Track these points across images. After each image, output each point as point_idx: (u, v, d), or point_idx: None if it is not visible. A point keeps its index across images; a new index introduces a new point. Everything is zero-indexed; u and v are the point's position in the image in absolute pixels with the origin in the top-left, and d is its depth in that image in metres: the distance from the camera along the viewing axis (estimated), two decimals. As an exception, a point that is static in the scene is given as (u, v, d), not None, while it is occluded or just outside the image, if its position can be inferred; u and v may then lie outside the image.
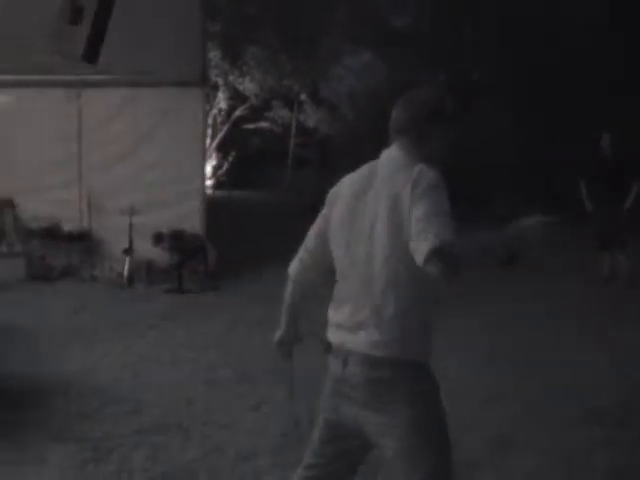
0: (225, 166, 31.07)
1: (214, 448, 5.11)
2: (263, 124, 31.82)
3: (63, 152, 11.18)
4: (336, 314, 3.02)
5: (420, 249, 2.62)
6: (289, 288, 3.39)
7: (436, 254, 2.56)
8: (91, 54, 8.64)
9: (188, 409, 5.87)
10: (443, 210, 2.68)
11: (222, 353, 7.44)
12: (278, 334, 3.48)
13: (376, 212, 2.86)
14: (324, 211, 3.13)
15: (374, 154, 3.05)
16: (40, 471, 4.72)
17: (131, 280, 10.63)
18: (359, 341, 2.88)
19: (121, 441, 5.17)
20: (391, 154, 2.97)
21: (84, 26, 8.72)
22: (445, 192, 2.75)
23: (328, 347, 3.05)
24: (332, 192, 3.12)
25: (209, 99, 22.47)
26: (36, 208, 11.04)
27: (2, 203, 10.77)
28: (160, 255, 10.80)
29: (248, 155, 31.42)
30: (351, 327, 2.92)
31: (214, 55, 25.05)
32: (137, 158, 11.14)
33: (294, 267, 3.31)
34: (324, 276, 3.28)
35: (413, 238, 2.66)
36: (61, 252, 11.01)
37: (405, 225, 2.73)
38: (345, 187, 3.04)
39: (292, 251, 3.34)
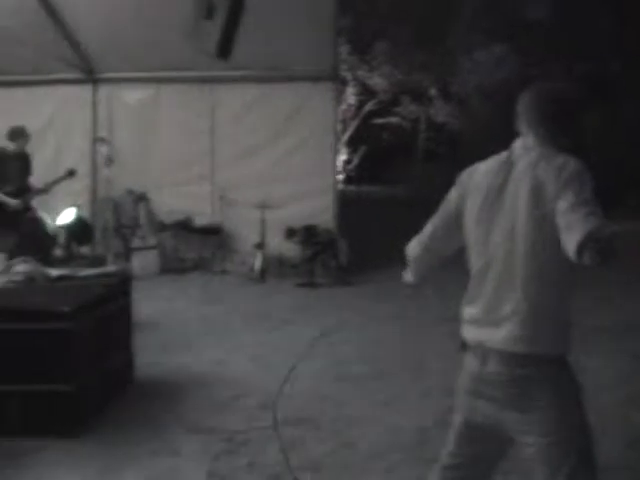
0: (354, 161, 31.10)
1: (346, 443, 5.04)
2: (392, 119, 31.69)
3: (196, 147, 11.34)
4: (472, 310, 2.90)
5: (571, 240, 2.52)
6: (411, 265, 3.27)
7: (588, 243, 2.46)
8: (224, 50, 8.71)
9: (320, 404, 5.81)
10: (590, 198, 2.60)
11: (355, 348, 7.37)
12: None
13: (517, 205, 2.75)
14: (453, 194, 3.03)
15: (506, 149, 2.94)
16: (174, 462, 4.73)
17: (263, 274, 10.68)
18: (499, 338, 2.77)
19: (254, 434, 5.15)
20: (527, 145, 2.86)
21: (217, 22, 8.81)
22: (590, 180, 2.66)
23: (463, 345, 2.94)
24: (465, 178, 3.01)
25: (339, 94, 22.52)
26: (169, 202, 11.26)
27: (137, 197, 10.99)
28: (292, 249, 10.82)
29: (377, 150, 31.38)
30: (490, 323, 2.81)
31: (343, 50, 25.08)
32: (269, 153, 11.20)
33: (414, 249, 3.20)
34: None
35: (562, 230, 2.58)
36: (193, 245, 11.19)
37: (549, 216, 2.64)
38: (479, 177, 2.93)
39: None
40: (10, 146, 8.90)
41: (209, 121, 11.40)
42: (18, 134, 8.94)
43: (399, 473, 4.61)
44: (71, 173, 9.22)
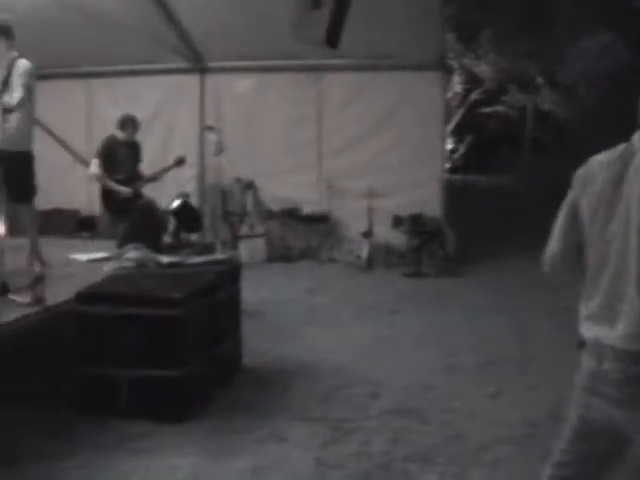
0: (460, 150, 30.80)
1: (454, 435, 4.97)
2: (498, 108, 31.23)
3: (303, 135, 11.36)
4: (589, 307, 2.79)
5: None
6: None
7: None
8: (332, 38, 8.68)
9: (428, 394, 5.74)
10: None
11: (462, 339, 7.27)
12: None
13: (632, 199, 2.62)
14: (571, 195, 2.90)
15: (614, 138, 2.80)
16: (282, 450, 4.75)
17: (370, 263, 10.63)
18: (615, 335, 2.66)
19: (361, 423, 5.13)
20: None
21: (325, 10, 8.79)
22: None
23: (581, 343, 2.84)
24: (580, 174, 2.88)
25: (446, 83, 22.33)
26: (277, 190, 11.31)
27: (245, 185, 11.07)
28: (398, 238, 10.75)
29: (484, 139, 30.99)
30: (606, 320, 2.69)
31: (449, 38, 24.80)
32: (376, 141, 11.13)
33: (552, 264, 3.05)
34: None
35: None
36: (300, 234, 11.22)
37: None
38: (595, 171, 2.81)
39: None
40: (120, 134, 9.05)
41: (316, 109, 11.40)
42: (128, 122, 9.08)
43: (507, 466, 4.52)
44: (180, 161, 9.32)
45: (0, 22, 6.67)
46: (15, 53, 6.60)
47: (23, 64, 6.59)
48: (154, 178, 9.20)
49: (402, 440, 4.87)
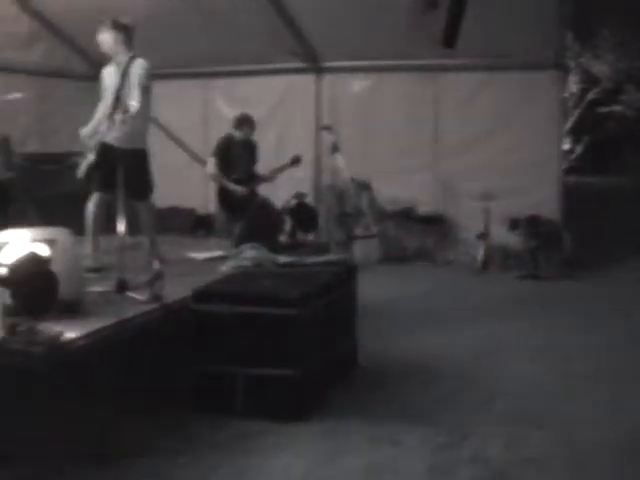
0: (577, 151, 30.18)
1: (569, 441, 4.85)
2: (616, 108, 30.48)
3: (419, 136, 11.27)
4: None
5: None
6: None
7: None
8: (450, 39, 8.62)
9: (545, 401, 5.62)
10: None
11: (579, 343, 7.10)
12: None
13: None
14: None
15: None
16: (395, 452, 4.71)
17: (485, 265, 10.50)
18: None
19: (476, 428, 5.04)
20: None
21: (441, 10, 8.72)
22: None
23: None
24: None
25: (563, 82, 21.92)
26: (392, 191, 11.25)
27: (360, 185, 11.06)
28: (515, 240, 10.58)
29: (602, 140, 30.29)
30: None
31: (565, 37, 24.26)
32: (492, 142, 10.96)
33: None
34: None
35: None
36: (415, 235, 11.15)
37: None
38: None
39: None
40: (237, 133, 9.15)
41: (432, 110, 11.30)
42: (245, 122, 9.18)
43: (622, 473, 4.42)
44: (296, 160, 9.37)
45: (120, 20, 6.81)
46: (131, 52, 6.73)
47: (140, 63, 6.71)
48: (270, 177, 9.28)
49: (517, 446, 4.78)
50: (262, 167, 9.46)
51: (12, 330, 4.21)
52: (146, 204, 7.14)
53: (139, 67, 6.67)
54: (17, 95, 7.43)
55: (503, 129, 10.95)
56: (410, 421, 5.18)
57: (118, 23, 6.80)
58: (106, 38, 6.85)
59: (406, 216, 11.22)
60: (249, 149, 9.25)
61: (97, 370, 4.70)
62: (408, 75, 11.31)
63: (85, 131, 6.86)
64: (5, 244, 4.76)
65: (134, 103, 6.50)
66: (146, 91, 6.73)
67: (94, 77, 7.15)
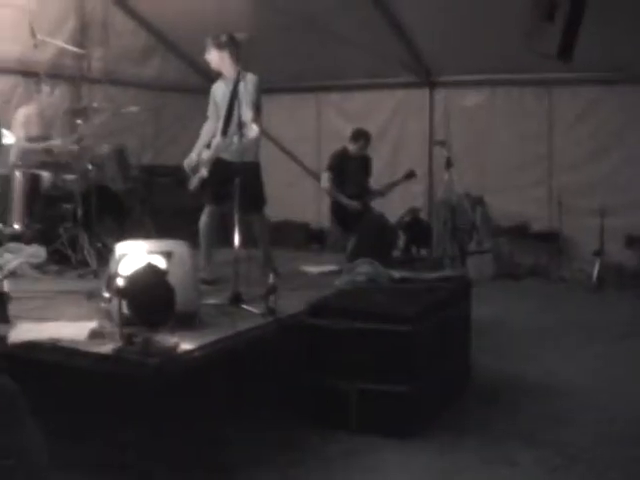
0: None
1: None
2: None
3: (533, 150, 11.12)
4: None
5: None
6: None
7: None
8: (565, 51, 8.47)
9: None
10: None
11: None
12: None
13: None
14: None
15: None
16: (510, 473, 4.65)
17: (601, 283, 10.25)
18: None
19: (592, 450, 4.93)
20: None
21: (558, 22, 8.58)
22: None
23: None
24: None
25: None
26: (505, 206, 11.13)
27: (473, 200, 10.98)
28: (632, 258, 10.32)
29: None
30: None
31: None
32: (608, 157, 10.70)
33: None
34: None
35: None
36: (529, 251, 10.98)
37: None
38: None
39: None
40: (352, 147, 9.20)
41: (546, 124, 11.12)
42: (361, 136, 9.21)
43: None
44: (411, 174, 9.36)
45: (222, 38, 6.94)
46: (239, 67, 6.83)
47: (250, 79, 6.80)
48: (384, 192, 9.29)
49: (636, 470, 4.66)
50: (375, 181, 9.49)
51: (129, 340, 4.29)
52: (260, 217, 7.23)
53: (249, 83, 6.76)
54: (133, 108, 7.63)
55: (620, 144, 10.67)
56: (525, 440, 5.09)
57: (221, 41, 6.92)
58: (213, 57, 7.01)
59: (520, 232, 11.06)
60: (363, 163, 9.28)
61: (212, 382, 4.78)
62: (522, 89, 11.17)
63: (188, 162, 7.03)
64: (123, 256, 4.87)
65: (254, 126, 6.60)
66: (257, 105, 6.83)
67: (208, 90, 7.29)
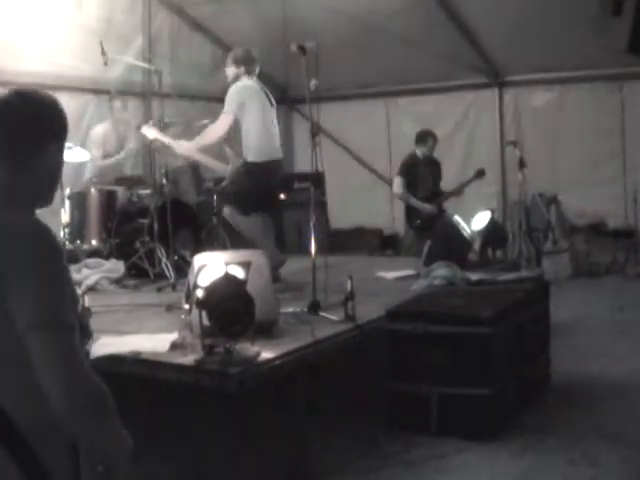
0: None
1: None
2: None
3: (606, 147, 10.97)
4: None
5: None
6: None
7: None
8: (636, 45, 8.41)
9: None
10: None
11: None
12: None
13: None
14: None
15: None
16: (593, 473, 4.60)
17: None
18: None
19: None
20: None
21: (626, 16, 8.51)
22: None
23: None
24: None
25: None
26: (580, 204, 11.03)
27: (547, 200, 10.88)
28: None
29: None
30: None
31: None
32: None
33: None
34: None
35: None
36: (605, 249, 10.84)
37: None
38: None
39: None
40: (419, 150, 9.23)
41: (619, 120, 10.97)
42: (428, 137, 9.25)
43: None
44: (480, 173, 9.35)
45: (238, 54, 7.26)
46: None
47: None
48: (456, 193, 9.30)
49: None
50: (449, 184, 9.49)
51: (210, 351, 4.34)
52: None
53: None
54: (204, 121, 7.77)
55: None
56: (607, 441, 5.04)
57: (237, 57, 7.21)
58: (228, 72, 7.29)
59: (596, 230, 10.94)
60: (433, 167, 9.31)
61: (292, 390, 4.84)
62: (592, 85, 11.03)
63: None
64: (202, 267, 4.94)
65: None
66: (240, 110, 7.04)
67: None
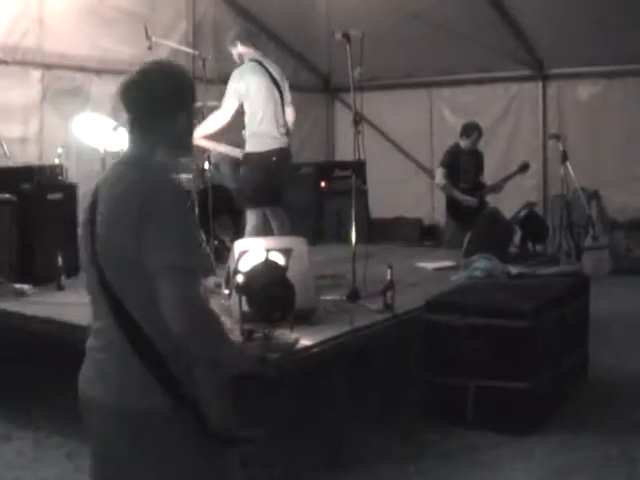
0: None
1: None
2: None
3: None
4: None
5: None
6: None
7: None
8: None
9: None
10: None
11: None
12: None
13: None
14: None
15: None
16: (631, 469, 4.61)
17: None
18: None
19: None
20: None
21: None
22: None
23: None
24: None
25: None
26: (622, 200, 10.90)
27: (589, 195, 10.79)
28: None
29: None
30: None
31: None
32: None
33: None
34: None
35: None
36: (648, 245, 10.74)
37: None
38: None
39: None
40: (464, 142, 9.18)
41: (663, 116, 10.86)
42: (473, 130, 9.18)
43: None
44: (525, 167, 9.28)
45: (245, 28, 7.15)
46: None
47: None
48: (499, 186, 9.25)
49: None
50: (490, 176, 9.44)
51: (249, 336, 4.36)
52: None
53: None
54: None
55: None
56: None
57: (239, 35, 7.18)
58: (233, 52, 7.20)
59: (637, 226, 10.81)
60: (476, 158, 9.25)
61: (331, 378, 4.85)
62: (637, 79, 10.90)
63: None
64: (243, 253, 4.94)
65: None
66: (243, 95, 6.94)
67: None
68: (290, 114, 7.22)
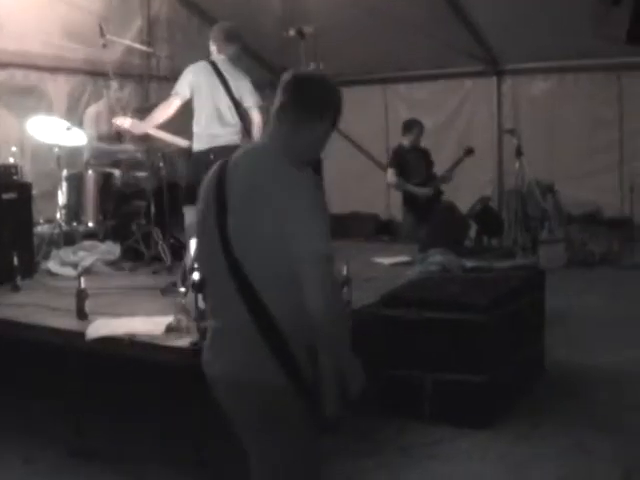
0: None
1: None
2: None
3: (603, 137, 10.97)
4: None
5: None
6: None
7: None
8: (634, 35, 8.37)
9: None
10: None
11: None
12: None
13: None
14: None
15: None
16: (587, 461, 4.64)
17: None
18: None
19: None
20: None
21: (625, 6, 8.48)
22: None
23: None
24: None
25: None
26: (576, 193, 10.99)
27: (544, 189, 10.87)
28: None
29: None
30: None
31: None
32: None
33: None
34: None
35: None
36: (601, 238, 10.82)
37: None
38: None
39: None
40: (406, 140, 9.25)
41: (616, 110, 10.95)
42: (414, 126, 9.27)
43: None
44: (469, 151, 9.38)
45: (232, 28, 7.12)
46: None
47: None
48: (449, 174, 9.32)
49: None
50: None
51: (205, 334, 4.33)
52: None
53: None
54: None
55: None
56: (601, 430, 5.08)
57: (212, 35, 7.15)
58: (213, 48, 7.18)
59: (591, 219, 10.92)
60: (422, 154, 9.33)
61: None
62: (590, 75, 11.01)
63: None
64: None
65: None
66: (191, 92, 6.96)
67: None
68: (255, 116, 7.13)
